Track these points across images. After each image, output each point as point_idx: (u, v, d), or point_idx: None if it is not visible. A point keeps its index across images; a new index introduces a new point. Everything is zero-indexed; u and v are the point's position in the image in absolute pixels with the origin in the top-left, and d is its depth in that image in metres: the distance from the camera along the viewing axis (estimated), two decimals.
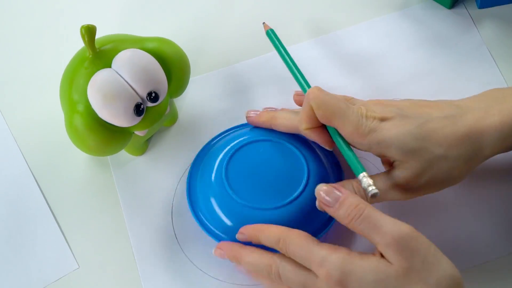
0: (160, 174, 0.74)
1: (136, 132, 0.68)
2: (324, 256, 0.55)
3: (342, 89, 0.76)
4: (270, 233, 0.61)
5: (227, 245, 0.65)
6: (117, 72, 0.64)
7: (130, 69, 0.64)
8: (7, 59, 0.83)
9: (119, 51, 0.65)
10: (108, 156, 0.75)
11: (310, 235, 0.59)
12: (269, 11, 0.83)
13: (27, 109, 0.80)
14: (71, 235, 0.72)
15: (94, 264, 0.71)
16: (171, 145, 0.76)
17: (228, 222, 0.65)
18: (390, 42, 0.79)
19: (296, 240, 0.58)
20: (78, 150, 0.70)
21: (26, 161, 0.76)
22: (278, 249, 0.60)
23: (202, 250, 0.70)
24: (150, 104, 0.66)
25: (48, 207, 0.74)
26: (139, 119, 0.65)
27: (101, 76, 0.63)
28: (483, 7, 0.79)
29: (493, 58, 0.76)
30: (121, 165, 0.75)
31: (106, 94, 0.63)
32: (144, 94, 0.64)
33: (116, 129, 0.65)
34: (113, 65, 0.64)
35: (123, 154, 0.75)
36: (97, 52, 0.65)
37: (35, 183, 0.75)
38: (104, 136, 0.65)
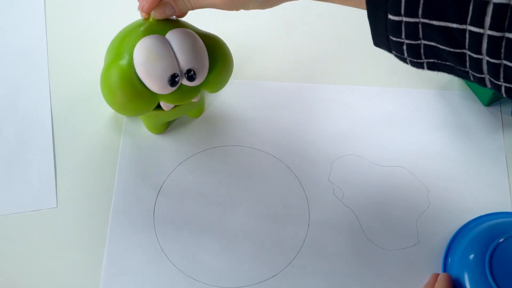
0: (163, 155, 0.77)
1: (162, 104, 0.70)
2: None
3: (354, 139, 0.79)
4: None
5: (434, 276, 0.68)
6: (169, 42, 0.67)
7: (181, 42, 0.66)
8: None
9: (177, 27, 0.68)
10: (124, 121, 0.78)
11: None
12: (322, 47, 0.86)
13: (73, 56, 0.85)
14: (62, 176, 0.75)
15: (72, 210, 0.74)
16: (186, 134, 0.79)
17: None
18: (417, 115, 0.81)
19: None
20: (100, 105, 0.74)
21: (50, 94, 0.81)
22: None
23: (172, 235, 0.72)
24: (185, 82, 0.68)
25: (52, 143, 0.77)
26: (170, 89, 0.67)
27: (154, 38, 0.66)
28: None
29: (507, 166, 0.77)
30: (132, 134, 0.78)
31: (151, 52, 0.65)
32: (184, 68, 0.67)
33: (145, 92, 0.67)
34: (167, 35, 0.67)
35: (137, 124, 0.78)
36: (159, 20, 0.68)
37: (50, 117, 0.79)
38: (131, 94, 0.67)
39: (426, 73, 0.76)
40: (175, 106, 0.71)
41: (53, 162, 0.76)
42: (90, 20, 0.88)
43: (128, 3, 0.87)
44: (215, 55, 0.70)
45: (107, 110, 0.79)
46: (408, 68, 0.81)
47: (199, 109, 0.79)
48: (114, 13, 0.88)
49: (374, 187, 0.76)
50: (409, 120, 0.81)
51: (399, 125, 0.80)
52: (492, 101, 0.81)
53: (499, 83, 0.50)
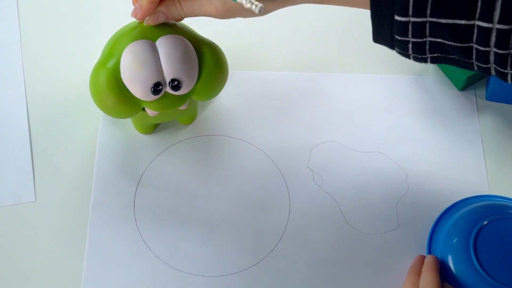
0: (142, 145, 0.77)
1: (147, 110, 0.69)
2: None
3: (331, 126, 0.79)
4: (427, 278, 0.65)
5: (420, 258, 0.70)
6: (157, 48, 0.66)
7: (168, 50, 0.65)
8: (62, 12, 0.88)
9: (170, 33, 0.67)
10: (100, 113, 0.78)
11: None
12: (296, 36, 0.87)
13: (47, 50, 0.84)
14: (40, 170, 0.75)
15: (51, 203, 0.73)
16: (164, 124, 0.79)
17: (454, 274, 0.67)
18: (394, 101, 0.82)
19: None
20: (75, 98, 0.75)
21: (25, 87, 0.80)
22: None
23: (153, 226, 0.72)
24: (170, 91, 0.67)
25: (28, 136, 0.76)
26: (153, 97, 0.66)
27: (141, 43, 0.65)
28: (490, 100, 0.82)
29: (483, 148, 0.79)
30: (110, 125, 0.78)
31: (135, 58, 0.64)
32: (168, 78, 0.66)
33: (129, 96, 0.66)
34: (157, 41, 0.66)
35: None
36: (152, 25, 0.67)
37: (26, 110, 0.78)
38: (116, 97, 0.66)
39: (401, 59, 0.77)
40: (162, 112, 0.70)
41: (30, 156, 0.75)
42: (65, 12, 0.87)
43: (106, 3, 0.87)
44: (207, 64, 0.68)
45: (83, 103, 0.78)
46: (382, 54, 0.83)
47: (191, 116, 0.78)
48: (90, 8, 0.88)
49: (353, 173, 0.76)
50: (385, 106, 0.81)
51: (376, 111, 0.81)
52: (466, 86, 0.82)
53: (506, 71, 0.52)
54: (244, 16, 0.62)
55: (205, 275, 0.69)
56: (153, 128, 0.77)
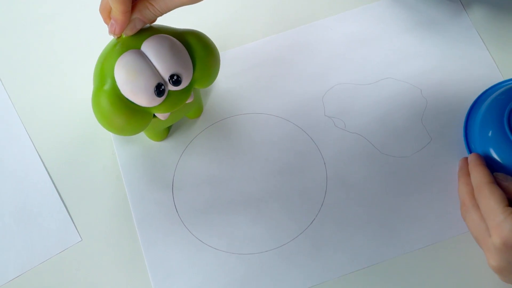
0: (161, 152, 0.77)
1: (157, 115, 0.69)
2: (502, 220, 0.60)
3: (333, 70, 0.80)
4: (477, 174, 0.65)
5: (464, 160, 0.70)
6: (144, 53, 0.66)
7: (155, 51, 0.65)
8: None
9: (150, 35, 0.67)
10: (112, 136, 0.78)
11: (503, 195, 0.62)
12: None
13: (37, 88, 0.84)
14: (74, 209, 0.75)
15: (97, 236, 0.73)
16: (174, 124, 0.78)
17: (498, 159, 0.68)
18: (383, 27, 0.82)
19: (488, 195, 0.62)
20: (83, 127, 0.73)
21: (31, 139, 0.79)
22: (475, 193, 0.65)
23: (202, 222, 0.72)
24: (172, 88, 0.67)
25: (52, 183, 0.76)
26: (159, 100, 0.66)
27: (128, 54, 0.65)
28: None
29: (482, 40, 0.79)
30: (124, 144, 0.78)
31: (129, 70, 0.64)
32: (166, 75, 0.66)
33: (138, 108, 0.67)
34: (142, 47, 0.66)
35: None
36: (131, 35, 0.67)
37: (40, 160, 0.78)
38: (125, 115, 0.66)
39: None
40: (172, 112, 0.70)
41: (61, 201, 0.75)
42: (42, 54, 0.86)
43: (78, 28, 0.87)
44: (198, 51, 0.69)
45: (90, 133, 0.78)
46: None
47: (198, 109, 0.78)
48: (64, 42, 0.87)
49: (370, 106, 0.77)
50: (375, 34, 0.82)
51: (369, 42, 0.81)
52: None
53: None
54: None
55: (267, 250, 0.70)
56: (167, 132, 0.77)
